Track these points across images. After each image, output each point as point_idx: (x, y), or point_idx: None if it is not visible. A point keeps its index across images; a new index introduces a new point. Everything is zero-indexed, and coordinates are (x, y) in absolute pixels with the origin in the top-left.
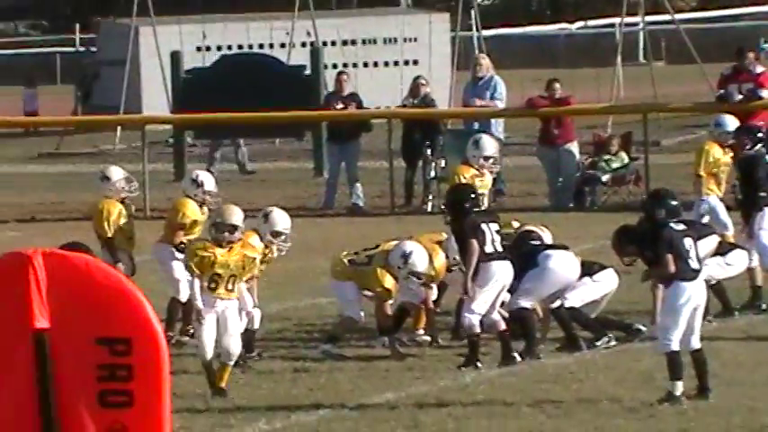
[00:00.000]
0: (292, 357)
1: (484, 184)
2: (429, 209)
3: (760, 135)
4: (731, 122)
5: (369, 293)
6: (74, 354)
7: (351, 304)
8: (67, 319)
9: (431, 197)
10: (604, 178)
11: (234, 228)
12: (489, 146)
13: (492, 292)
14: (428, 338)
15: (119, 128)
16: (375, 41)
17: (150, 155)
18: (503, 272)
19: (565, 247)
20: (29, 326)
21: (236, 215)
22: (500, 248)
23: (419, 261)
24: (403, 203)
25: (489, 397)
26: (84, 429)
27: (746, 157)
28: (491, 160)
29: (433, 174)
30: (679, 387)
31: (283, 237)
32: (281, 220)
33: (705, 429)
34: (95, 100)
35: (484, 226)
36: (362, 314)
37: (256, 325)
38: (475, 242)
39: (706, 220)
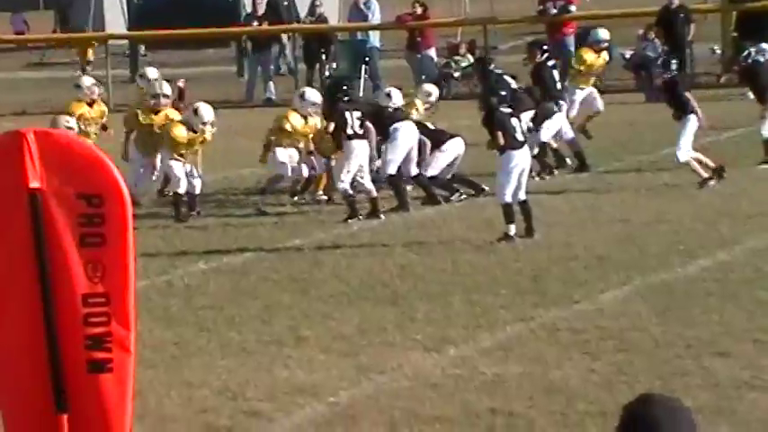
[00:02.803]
0: (223, 215)
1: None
2: None
3: (545, 47)
4: (603, 34)
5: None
6: (60, 206)
7: (280, 165)
8: (54, 181)
9: None
10: (456, 75)
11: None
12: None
13: (354, 164)
14: (326, 198)
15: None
16: None
17: (112, 63)
18: (360, 149)
19: (407, 118)
20: (25, 186)
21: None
22: (359, 131)
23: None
24: None
25: (372, 241)
26: (69, 262)
27: (536, 64)
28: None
29: (327, 74)
30: (512, 229)
31: (209, 124)
32: (207, 112)
33: (532, 259)
34: (70, 22)
35: (347, 113)
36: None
37: (197, 190)
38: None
39: (578, 103)
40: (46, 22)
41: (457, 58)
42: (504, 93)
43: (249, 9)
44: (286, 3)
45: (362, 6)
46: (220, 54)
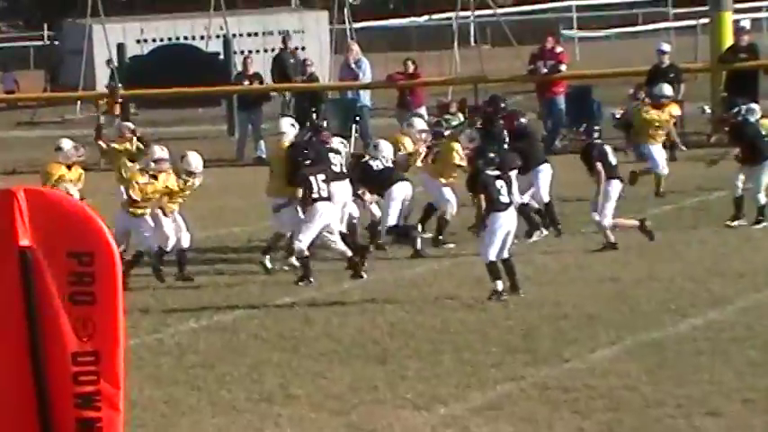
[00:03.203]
0: (214, 272)
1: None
2: None
3: (502, 105)
4: (666, 90)
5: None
6: (50, 265)
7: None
8: (44, 239)
9: None
10: (446, 133)
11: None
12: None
13: (316, 227)
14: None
15: (79, 102)
16: (272, 33)
17: (103, 121)
18: (325, 210)
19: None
20: (15, 244)
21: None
22: (324, 194)
23: None
24: None
25: (362, 298)
26: (58, 320)
27: (519, 126)
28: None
29: None
30: (499, 285)
31: (196, 175)
32: (195, 160)
33: (522, 318)
34: (61, 81)
35: (311, 177)
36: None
37: (186, 243)
38: (301, 190)
39: (657, 157)
40: (36, 81)
41: (447, 116)
42: (492, 155)
43: (240, 68)
44: (293, 60)
45: (353, 65)
46: (211, 113)
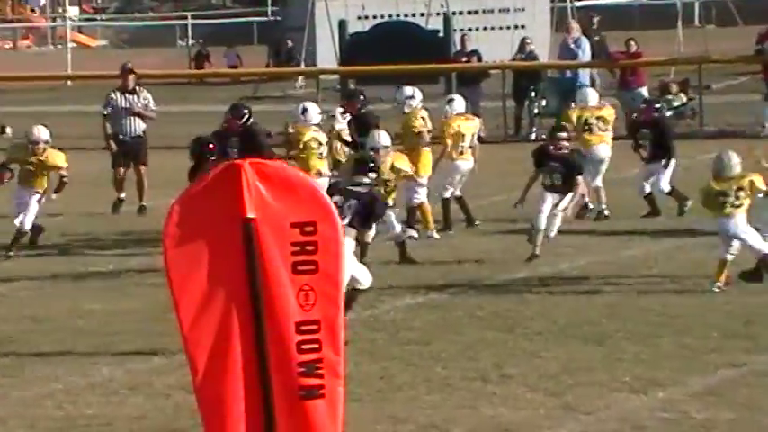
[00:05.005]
0: (431, 249)
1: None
2: (533, 137)
3: None
4: None
5: None
6: (274, 235)
7: None
8: (269, 210)
9: (534, 128)
10: (668, 114)
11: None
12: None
13: None
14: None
15: (300, 77)
16: (492, 11)
17: (323, 97)
18: None
19: None
20: (241, 216)
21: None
22: None
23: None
24: (513, 133)
25: (579, 280)
26: (282, 289)
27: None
28: None
29: (536, 111)
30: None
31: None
32: (383, 138)
33: (743, 304)
34: (283, 57)
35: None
36: None
37: None
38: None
39: None
40: (259, 57)
41: (669, 97)
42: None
43: (458, 46)
44: (597, 38)
45: (572, 44)
46: (429, 90)
